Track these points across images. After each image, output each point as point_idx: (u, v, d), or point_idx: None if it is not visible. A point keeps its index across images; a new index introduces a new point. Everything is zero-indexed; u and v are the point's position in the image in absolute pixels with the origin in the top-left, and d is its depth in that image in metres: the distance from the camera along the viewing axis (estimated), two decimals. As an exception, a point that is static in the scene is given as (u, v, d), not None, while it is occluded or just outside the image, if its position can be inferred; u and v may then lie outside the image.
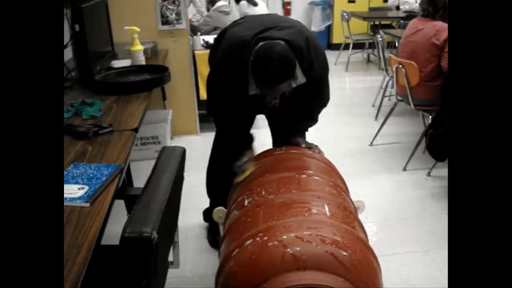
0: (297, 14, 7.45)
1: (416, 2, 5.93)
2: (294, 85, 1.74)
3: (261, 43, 1.69)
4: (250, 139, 2.03)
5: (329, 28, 7.37)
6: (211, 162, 2.37)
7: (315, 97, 2.02)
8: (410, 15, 5.78)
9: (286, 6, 7.56)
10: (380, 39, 4.05)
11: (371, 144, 3.66)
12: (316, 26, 7.18)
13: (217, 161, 2.32)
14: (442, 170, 3.12)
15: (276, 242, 1.31)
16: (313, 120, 2.12)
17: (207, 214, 2.45)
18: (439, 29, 2.91)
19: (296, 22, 1.91)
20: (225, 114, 1.98)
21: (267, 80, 1.66)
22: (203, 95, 3.77)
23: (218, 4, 4.93)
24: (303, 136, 2.07)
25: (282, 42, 1.68)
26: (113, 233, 1.22)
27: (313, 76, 1.85)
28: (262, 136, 2.48)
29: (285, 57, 1.65)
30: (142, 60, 2.69)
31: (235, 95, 1.84)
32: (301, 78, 1.76)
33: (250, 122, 2.10)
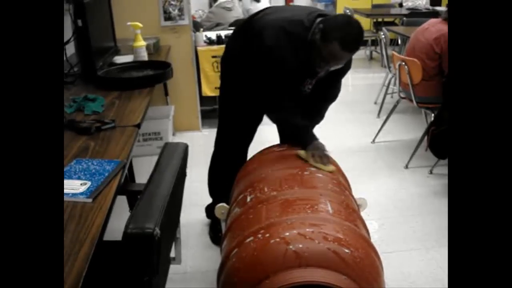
0: (300, 10, 7.43)
1: (419, -1, 5.92)
2: (336, 66, 1.78)
3: (327, 16, 1.74)
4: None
5: (331, 25, 7.34)
6: (214, 159, 2.36)
7: (333, 87, 2.03)
8: (413, 12, 5.77)
9: (288, 3, 7.54)
10: (383, 36, 4.03)
11: (373, 141, 3.65)
12: (318, 22, 7.16)
13: (220, 158, 2.31)
14: (444, 168, 3.11)
15: (278, 239, 1.31)
16: (322, 116, 2.12)
17: (209, 211, 2.45)
18: (441, 35, 2.89)
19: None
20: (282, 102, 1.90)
21: (346, 44, 1.66)
22: (206, 91, 3.77)
23: (221, 0, 4.92)
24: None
25: None
26: (116, 229, 1.22)
27: (344, 65, 1.86)
28: (267, 132, 2.48)
29: (362, 30, 1.72)
30: (144, 56, 2.69)
31: (292, 78, 1.83)
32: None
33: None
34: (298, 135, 1.89)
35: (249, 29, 1.93)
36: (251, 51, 1.88)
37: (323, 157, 1.78)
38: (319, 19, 1.74)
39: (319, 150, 1.80)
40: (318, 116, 2.11)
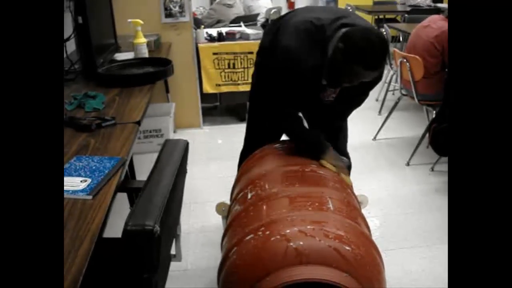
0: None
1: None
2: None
3: (347, 29, 1.62)
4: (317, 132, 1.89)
5: (333, 22, 7.33)
6: (242, 156, 2.21)
7: (361, 96, 1.96)
8: (415, 9, 5.75)
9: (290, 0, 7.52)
10: (385, 33, 4.02)
11: (375, 138, 3.65)
12: (320, 19, 7.14)
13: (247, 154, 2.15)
14: (446, 166, 3.10)
15: (279, 236, 1.31)
16: (344, 121, 2.10)
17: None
18: (442, 32, 2.88)
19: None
20: (285, 110, 1.83)
21: (370, 65, 1.55)
22: (206, 88, 3.76)
23: (222, -3, 4.91)
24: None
25: None
26: (116, 226, 1.22)
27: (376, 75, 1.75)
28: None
29: (385, 41, 1.58)
30: (145, 53, 2.68)
31: (302, 84, 1.74)
32: None
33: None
34: (310, 143, 1.82)
35: (276, 27, 1.87)
36: (271, 50, 1.83)
37: (345, 169, 1.79)
38: (341, 31, 1.63)
39: (340, 161, 1.79)
40: (340, 121, 2.07)
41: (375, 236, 1.60)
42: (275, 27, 1.89)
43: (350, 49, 1.55)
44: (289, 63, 1.70)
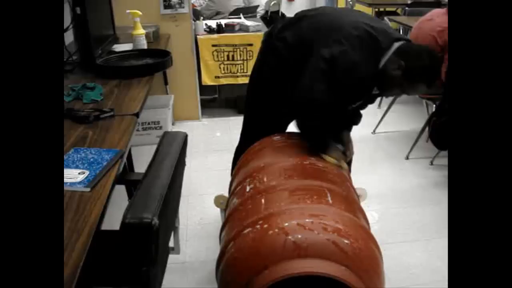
0: (301, 0, 7.38)
1: (422, -11, 5.86)
2: None
3: (402, 44, 1.71)
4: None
5: (333, 14, 7.28)
6: (238, 152, 2.17)
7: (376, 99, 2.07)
8: (415, 2, 5.72)
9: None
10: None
11: (374, 132, 3.64)
12: (320, 12, 7.10)
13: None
14: (445, 159, 3.10)
15: (277, 230, 1.30)
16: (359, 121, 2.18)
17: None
18: (445, 28, 2.86)
19: None
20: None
21: (432, 84, 1.73)
22: (205, 80, 3.74)
23: (221, -12, 4.87)
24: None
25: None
26: (114, 219, 1.21)
27: None
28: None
29: (438, 56, 1.79)
30: (144, 44, 2.67)
31: (351, 92, 1.79)
32: None
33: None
34: (319, 144, 1.82)
35: (310, 26, 1.81)
36: (311, 48, 1.75)
37: (341, 157, 1.83)
38: (396, 45, 1.69)
39: (337, 151, 1.83)
40: (354, 123, 2.13)
41: (374, 229, 1.60)
42: (299, 28, 1.84)
43: (414, 68, 1.67)
44: (347, 71, 1.68)
